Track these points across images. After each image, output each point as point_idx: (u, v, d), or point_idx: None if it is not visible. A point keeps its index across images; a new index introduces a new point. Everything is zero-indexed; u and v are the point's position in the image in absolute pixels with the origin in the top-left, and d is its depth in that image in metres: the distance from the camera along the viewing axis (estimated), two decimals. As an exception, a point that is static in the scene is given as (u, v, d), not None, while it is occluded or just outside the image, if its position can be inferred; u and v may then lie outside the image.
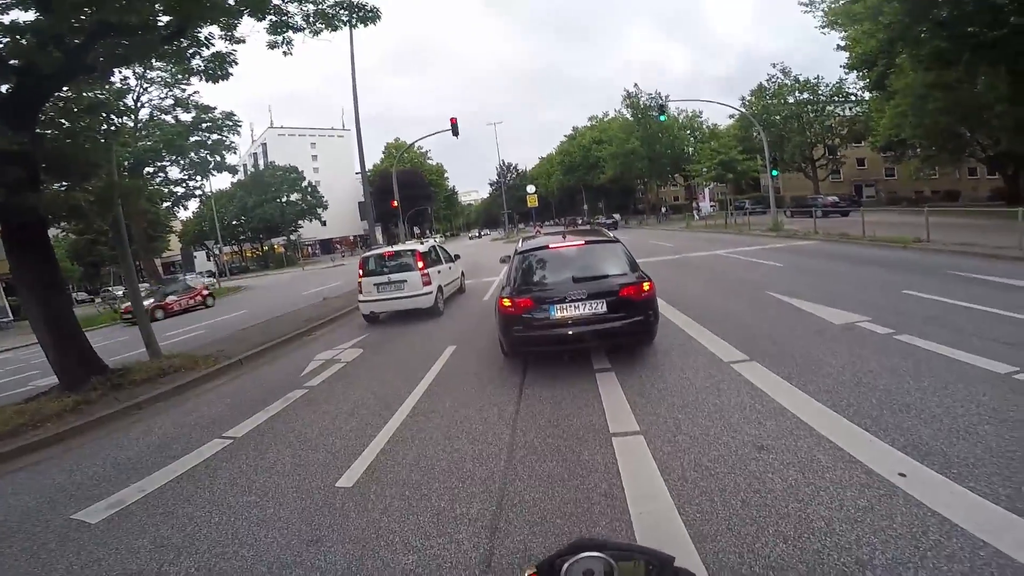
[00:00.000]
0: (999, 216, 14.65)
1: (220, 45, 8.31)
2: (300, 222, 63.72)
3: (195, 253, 59.94)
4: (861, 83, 34.34)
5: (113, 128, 8.69)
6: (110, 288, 35.85)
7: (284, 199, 61.86)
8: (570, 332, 5.20)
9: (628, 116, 52.23)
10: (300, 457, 4.18)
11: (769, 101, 41.70)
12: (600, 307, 5.19)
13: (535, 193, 49.93)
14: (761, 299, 8.16)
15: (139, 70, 23.72)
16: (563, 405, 4.62)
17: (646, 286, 5.27)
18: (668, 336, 6.40)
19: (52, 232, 10.33)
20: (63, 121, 7.07)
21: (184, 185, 32.73)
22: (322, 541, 2.90)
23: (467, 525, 2.90)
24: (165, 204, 34.37)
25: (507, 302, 5.43)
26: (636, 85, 52.80)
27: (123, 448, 4.96)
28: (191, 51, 8.05)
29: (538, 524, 2.82)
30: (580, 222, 54.13)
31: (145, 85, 26.15)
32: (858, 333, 5.67)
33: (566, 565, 0.80)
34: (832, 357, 4.97)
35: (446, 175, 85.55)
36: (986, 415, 3.35)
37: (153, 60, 10.90)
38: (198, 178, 32.56)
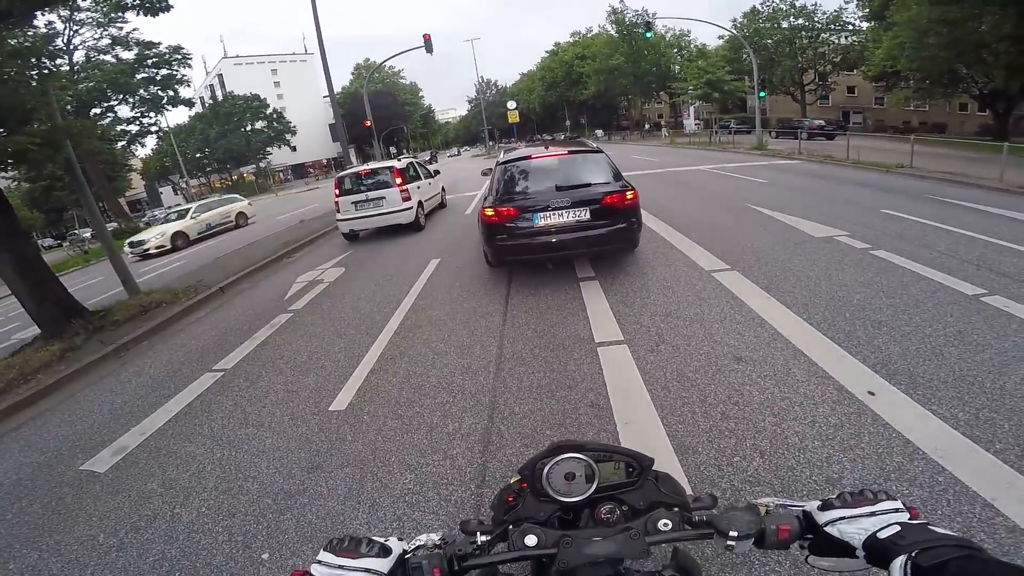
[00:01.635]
0: (983, 149, 14.66)
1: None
2: (268, 149, 60.96)
3: (161, 189, 57.47)
4: (860, 12, 33.18)
5: (47, 72, 8.02)
6: (76, 231, 34.52)
7: (248, 128, 58.73)
8: (554, 240, 5.23)
9: (613, 32, 49.55)
10: (291, 384, 4.23)
11: (762, 24, 40.04)
12: (584, 215, 5.21)
13: (516, 109, 47.85)
14: (743, 211, 8.25)
15: (64, 12, 21.96)
16: (548, 315, 4.71)
17: (629, 194, 5.26)
18: (651, 245, 6.52)
19: (3, 183, 9.90)
20: None
21: (138, 123, 31.11)
22: (321, 467, 3.00)
23: (460, 440, 3.01)
24: (120, 143, 32.53)
25: (490, 211, 5.41)
26: (622, 1, 49.48)
27: (117, 392, 4.95)
28: None
29: (529, 436, 2.94)
30: (543, 138, 52.05)
31: (75, 27, 24.45)
32: (836, 246, 5.79)
33: (547, 467, 0.82)
34: (810, 269, 5.10)
35: (421, 94, 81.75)
36: (952, 337, 3.44)
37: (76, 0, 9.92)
38: (151, 114, 30.89)
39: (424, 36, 19.92)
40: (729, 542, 0.72)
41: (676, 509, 0.80)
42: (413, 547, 0.79)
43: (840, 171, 13.16)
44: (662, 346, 3.81)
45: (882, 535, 0.63)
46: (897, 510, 0.67)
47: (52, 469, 3.68)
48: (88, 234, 27.09)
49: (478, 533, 0.80)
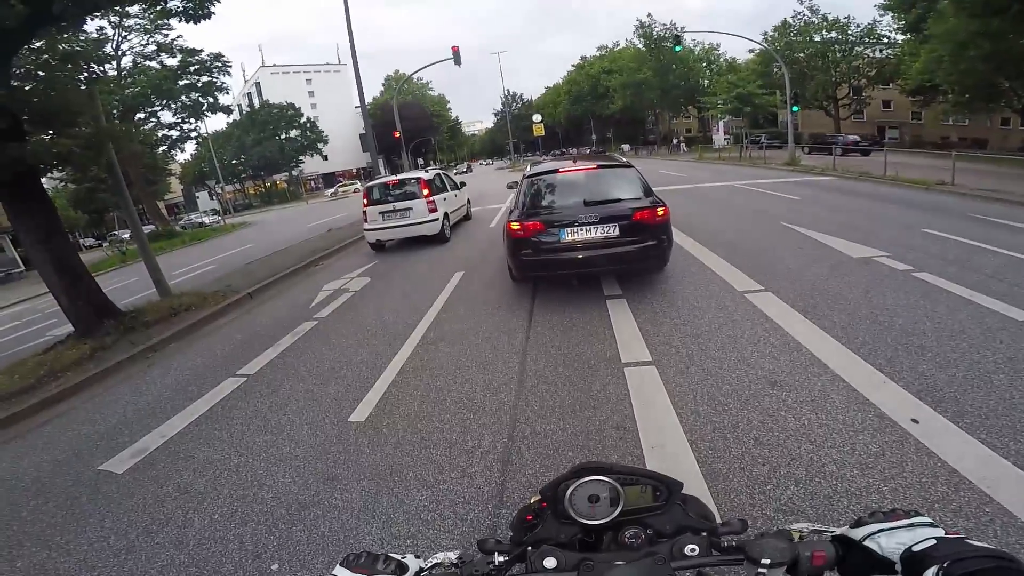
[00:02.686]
0: None
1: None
2: (301, 158, 62.67)
3: (197, 194, 59.56)
4: (895, 25, 32.40)
5: (94, 76, 8.36)
6: (116, 232, 35.93)
7: (283, 136, 60.59)
8: (580, 256, 5.11)
9: (640, 46, 49.51)
10: (312, 392, 4.22)
11: (793, 38, 39.31)
12: (612, 231, 5.07)
13: (541, 122, 48.09)
14: (776, 230, 8.01)
15: (114, 18, 22.98)
16: (573, 332, 4.59)
17: (660, 211, 5.12)
18: (680, 263, 6.33)
19: (51, 183, 10.37)
20: (40, 72, 6.80)
21: (178, 128, 32.31)
22: (337, 479, 2.95)
23: (479, 458, 2.93)
24: (161, 148, 33.81)
25: (516, 225, 5.32)
26: (650, 15, 49.41)
27: (141, 393, 5.03)
28: None
29: (550, 457, 2.85)
30: (569, 152, 52.06)
31: (124, 33, 25.36)
32: (875, 268, 5.54)
33: (571, 489, 0.79)
34: (848, 291, 4.88)
35: (449, 106, 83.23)
36: (1002, 364, 3.24)
37: (126, 6, 10.29)
38: (192, 120, 32.00)
39: (453, 48, 20.25)
40: (760, 570, 0.67)
41: (704, 534, 0.76)
42: (430, 565, 0.78)
43: (877, 188, 12.75)
44: (692, 368, 3.67)
45: (917, 548, 0.62)
46: (933, 525, 0.65)
47: (71, 468, 3.73)
48: (127, 235, 28.05)
49: (496, 553, 0.78)
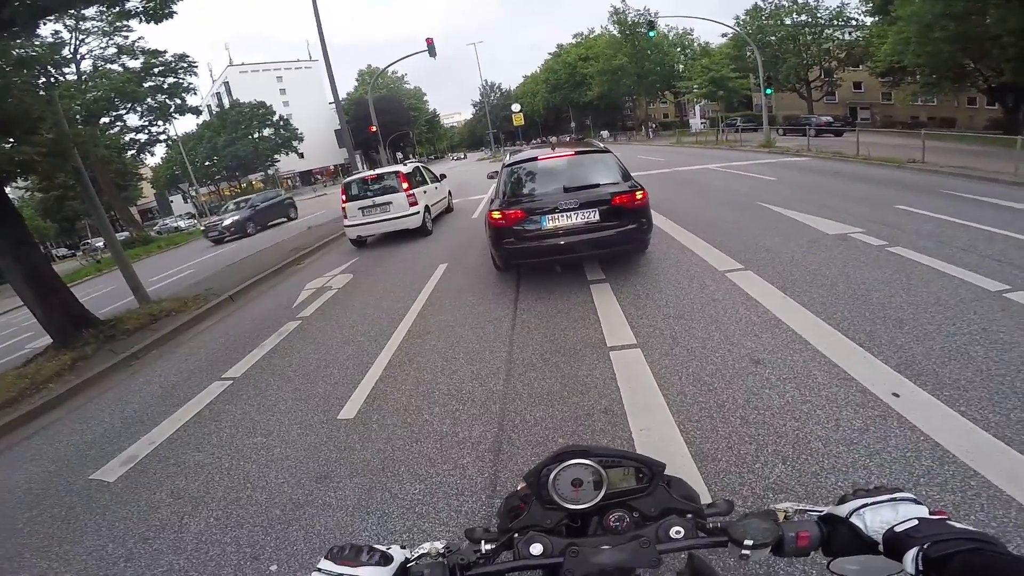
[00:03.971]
0: (996, 143, 14.55)
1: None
2: (276, 156, 61.52)
3: (171, 197, 58.19)
4: (863, 8, 33.02)
5: (53, 81, 8.08)
6: (89, 240, 34.99)
7: (256, 135, 59.33)
8: (562, 242, 5.16)
9: (615, 33, 49.50)
10: (300, 392, 4.19)
11: (765, 22, 39.96)
12: (592, 216, 5.13)
13: (521, 112, 47.93)
14: (754, 210, 8.15)
15: (70, 21, 22.19)
16: (558, 319, 4.64)
17: (639, 195, 5.18)
18: (661, 246, 6.42)
19: (17, 193, 10.05)
20: None
21: (146, 131, 31.33)
22: (330, 477, 2.95)
23: (470, 449, 2.95)
24: (130, 152, 32.83)
25: (497, 214, 5.35)
26: (624, 1, 49.08)
27: (127, 402, 4.94)
28: None
29: (540, 444, 2.87)
30: (548, 140, 51.98)
31: (81, 36, 24.32)
32: (851, 244, 5.67)
33: (553, 473, 0.79)
34: (826, 267, 4.99)
35: (426, 98, 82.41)
36: (977, 335, 3.32)
37: (81, 9, 9.92)
38: (160, 123, 31.03)
39: (427, 40, 20.01)
40: (744, 551, 0.68)
41: (689, 516, 0.76)
42: (416, 555, 0.76)
43: (850, 167, 13.01)
44: (676, 349, 3.72)
45: (900, 528, 0.62)
46: (916, 502, 0.66)
47: (62, 478, 3.67)
48: (101, 243, 27.34)
49: (483, 541, 0.78)
